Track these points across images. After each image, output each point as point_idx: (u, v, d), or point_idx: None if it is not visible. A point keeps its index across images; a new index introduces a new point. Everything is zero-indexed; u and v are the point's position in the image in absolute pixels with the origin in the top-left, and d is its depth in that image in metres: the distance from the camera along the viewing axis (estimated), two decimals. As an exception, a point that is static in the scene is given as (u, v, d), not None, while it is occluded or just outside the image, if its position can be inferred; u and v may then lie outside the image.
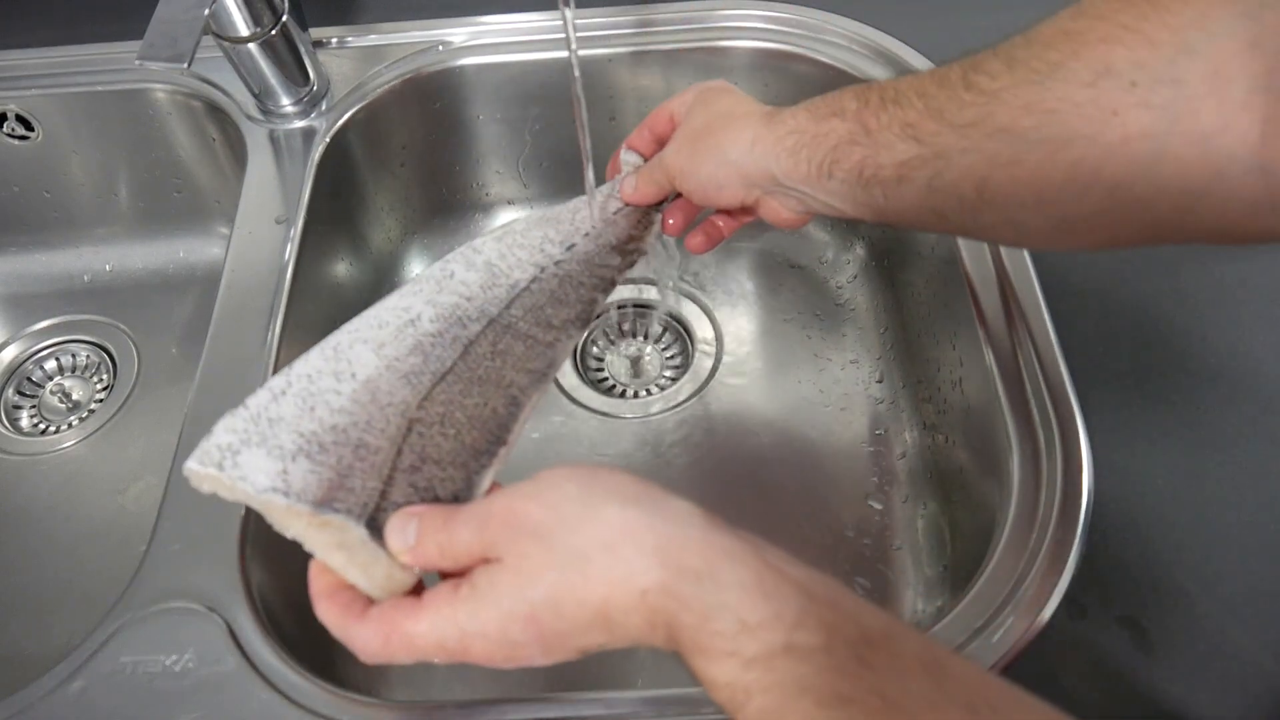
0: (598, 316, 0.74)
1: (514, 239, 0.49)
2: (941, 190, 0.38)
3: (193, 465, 0.34)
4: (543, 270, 0.48)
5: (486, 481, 0.37)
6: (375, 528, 0.33)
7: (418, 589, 0.33)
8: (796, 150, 0.41)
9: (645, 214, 0.53)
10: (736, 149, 0.43)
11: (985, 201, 0.37)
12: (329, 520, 0.33)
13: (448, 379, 0.40)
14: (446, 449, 0.37)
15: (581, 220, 0.52)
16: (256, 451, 0.35)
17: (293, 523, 0.34)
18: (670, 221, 0.51)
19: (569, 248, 0.50)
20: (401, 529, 0.32)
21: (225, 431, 0.36)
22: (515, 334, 0.44)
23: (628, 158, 0.54)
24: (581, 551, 0.29)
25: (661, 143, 0.51)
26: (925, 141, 0.38)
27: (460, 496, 0.36)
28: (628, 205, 0.52)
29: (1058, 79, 0.33)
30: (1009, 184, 0.36)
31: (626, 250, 0.52)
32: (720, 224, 0.51)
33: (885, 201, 0.40)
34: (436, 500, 0.34)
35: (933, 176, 0.38)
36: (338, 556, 0.34)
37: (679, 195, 0.50)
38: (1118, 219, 0.34)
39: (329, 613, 0.32)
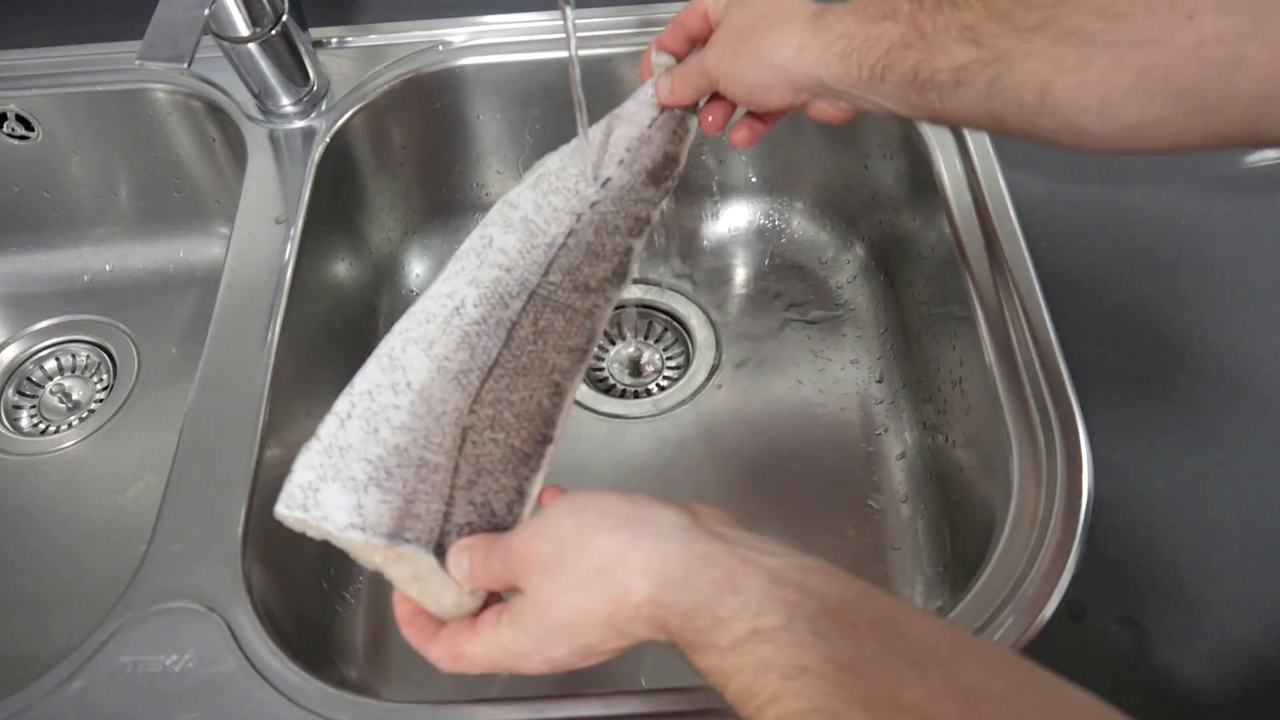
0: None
1: (549, 183, 0.49)
2: (1001, 95, 0.37)
3: (281, 510, 0.37)
4: (578, 219, 0.48)
5: (536, 487, 0.39)
6: (441, 553, 0.36)
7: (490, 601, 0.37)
8: (846, 55, 0.40)
9: (681, 121, 0.51)
10: (782, 54, 0.42)
11: (1047, 107, 0.36)
12: (403, 551, 0.36)
13: (494, 374, 0.42)
14: (498, 456, 0.40)
15: (617, 142, 0.51)
16: (333, 486, 0.38)
17: (372, 556, 0.37)
18: (710, 119, 0.50)
19: (604, 184, 0.50)
20: (458, 560, 0.36)
21: (304, 469, 0.38)
22: (555, 307, 0.45)
23: (659, 59, 0.51)
24: (582, 579, 0.32)
25: (694, 41, 0.50)
26: (985, 45, 0.37)
27: (514, 508, 0.38)
28: (664, 111, 0.51)
29: None
30: (1073, 89, 0.35)
31: (662, 175, 0.51)
32: (763, 118, 0.50)
33: (940, 105, 0.39)
34: (493, 515, 0.38)
35: (992, 80, 0.37)
36: (414, 588, 0.37)
37: (714, 95, 0.49)
38: (1185, 124, 0.34)
39: (409, 634, 0.37)
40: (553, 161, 0.50)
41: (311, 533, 0.37)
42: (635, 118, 0.51)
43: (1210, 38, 0.31)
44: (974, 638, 0.29)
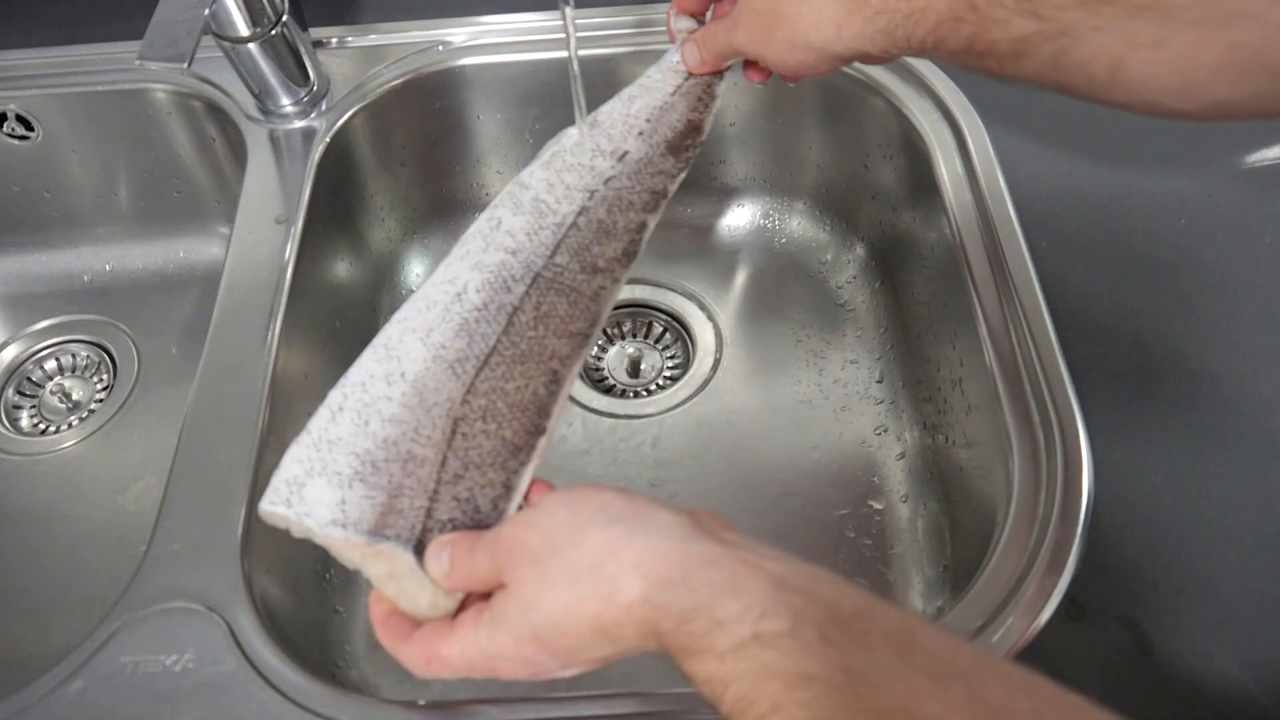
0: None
1: (564, 160, 0.47)
2: (1067, 68, 0.35)
3: (265, 506, 0.36)
4: (591, 196, 0.46)
5: (524, 481, 0.38)
6: (421, 550, 0.35)
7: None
8: (890, 30, 0.38)
9: (707, 87, 0.49)
10: (820, 35, 0.40)
11: (1119, 83, 0.34)
12: (381, 549, 0.35)
13: (491, 361, 0.40)
14: (487, 449, 0.38)
15: (637, 113, 0.48)
16: (318, 481, 0.36)
17: (351, 554, 0.36)
18: (746, 75, 0.49)
19: (620, 157, 0.47)
20: (437, 557, 0.34)
21: (291, 463, 0.37)
22: (559, 289, 0.43)
23: (680, 24, 0.50)
24: (572, 573, 0.30)
25: None
26: (1047, 17, 0.34)
27: (499, 504, 0.37)
28: (690, 78, 0.49)
29: None
30: (1150, 66, 0.33)
31: (684, 145, 0.49)
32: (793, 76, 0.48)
33: (1001, 71, 0.37)
34: (477, 511, 0.36)
35: (1057, 54, 0.35)
36: (390, 587, 0.36)
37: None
38: (1277, 100, 0.32)
39: (382, 636, 0.35)
40: (569, 136, 0.48)
41: (295, 530, 0.36)
42: (659, 86, 0.49)
43: None
44: (995, 656, 0.28)
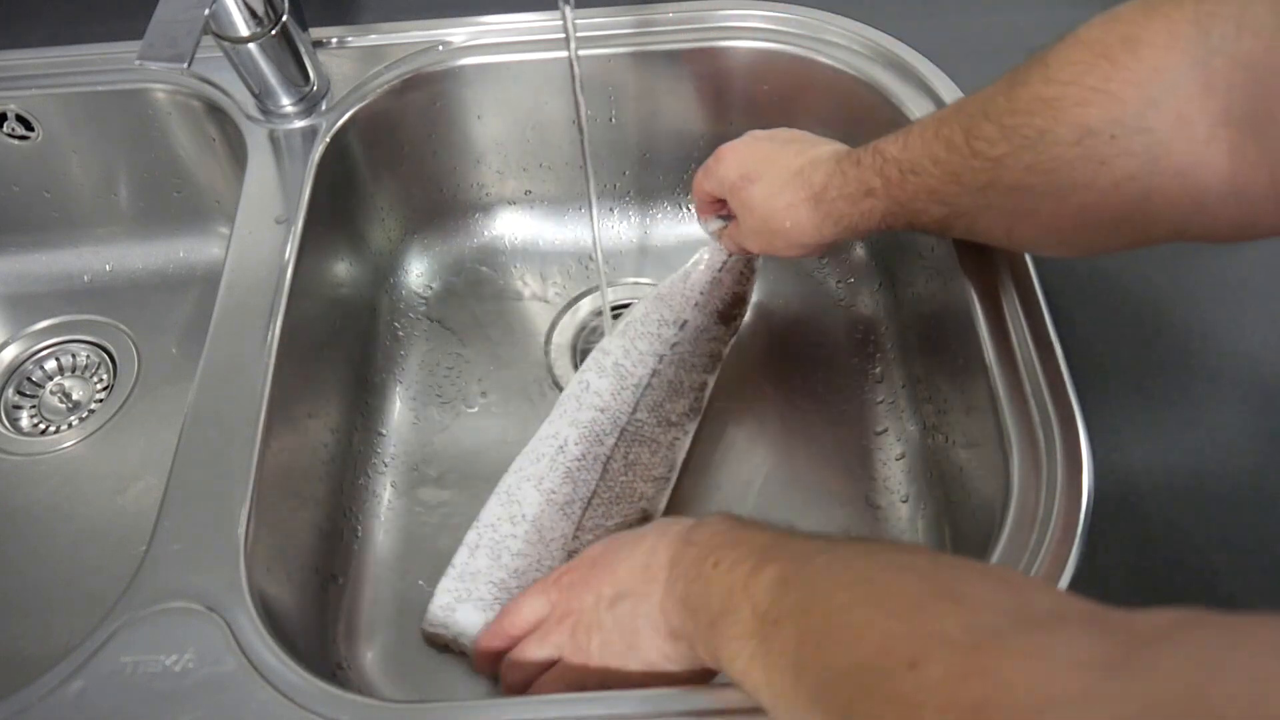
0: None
1: (635, 329, 0.58)
2: (978, 233, 0.47)
3: (425, 628, 0.50)
4: (660, 359, 0.57)
5: None
6: None
7: None
8: (853, 228, 0.50)
9: (748, 263, 0.59)
10: (808, 238, 0.52)
11: (1016, 242, 0.47)
12: None
13: (593, 503, 0.52)
14: None
15: (692, 287, 0.59)
16: (466, 606, 0.49)
17: None
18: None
19: (681, 326, 0.58)
20: None
21: (443, 593, 0.50)
22: (642, 440, 0.55)
23: (712, 226, 0.60)
24: (626, 545, 0.45)
25: (718, 201, 0.58)
26: (951, 203, 0.45)
27: None
28: (731, 255, 0.60)
29: (1048, 143, 0.39)
30: (1032, 228, 0.43)
31: (732, 314, 0.59)
32: None
33: (939, 235, 0.53)
34: None
35: (968, 226, 0.46)
36: None
37: None
38: (1129, 238, 0.41)
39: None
40: (638, 310, 0.59)
41: (451, 645, 0.50)
42: (709, 263, 0.60)
43: (1123, 177, 0.37)
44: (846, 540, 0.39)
